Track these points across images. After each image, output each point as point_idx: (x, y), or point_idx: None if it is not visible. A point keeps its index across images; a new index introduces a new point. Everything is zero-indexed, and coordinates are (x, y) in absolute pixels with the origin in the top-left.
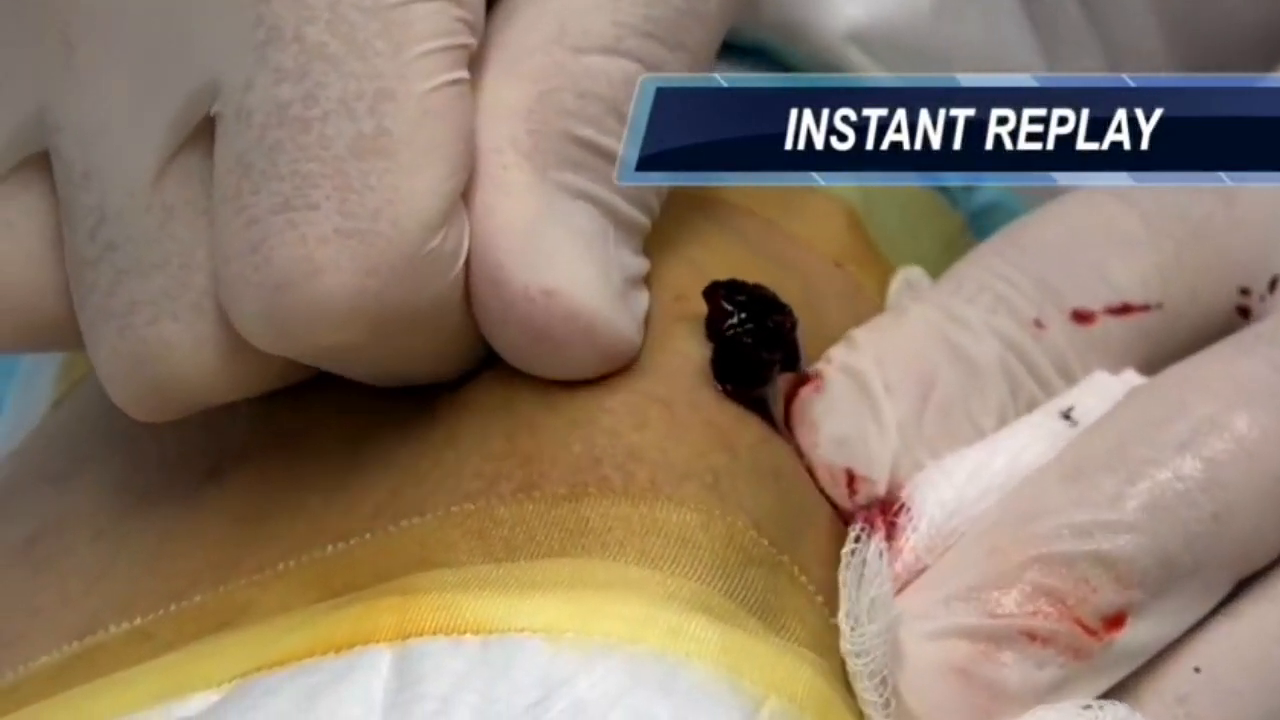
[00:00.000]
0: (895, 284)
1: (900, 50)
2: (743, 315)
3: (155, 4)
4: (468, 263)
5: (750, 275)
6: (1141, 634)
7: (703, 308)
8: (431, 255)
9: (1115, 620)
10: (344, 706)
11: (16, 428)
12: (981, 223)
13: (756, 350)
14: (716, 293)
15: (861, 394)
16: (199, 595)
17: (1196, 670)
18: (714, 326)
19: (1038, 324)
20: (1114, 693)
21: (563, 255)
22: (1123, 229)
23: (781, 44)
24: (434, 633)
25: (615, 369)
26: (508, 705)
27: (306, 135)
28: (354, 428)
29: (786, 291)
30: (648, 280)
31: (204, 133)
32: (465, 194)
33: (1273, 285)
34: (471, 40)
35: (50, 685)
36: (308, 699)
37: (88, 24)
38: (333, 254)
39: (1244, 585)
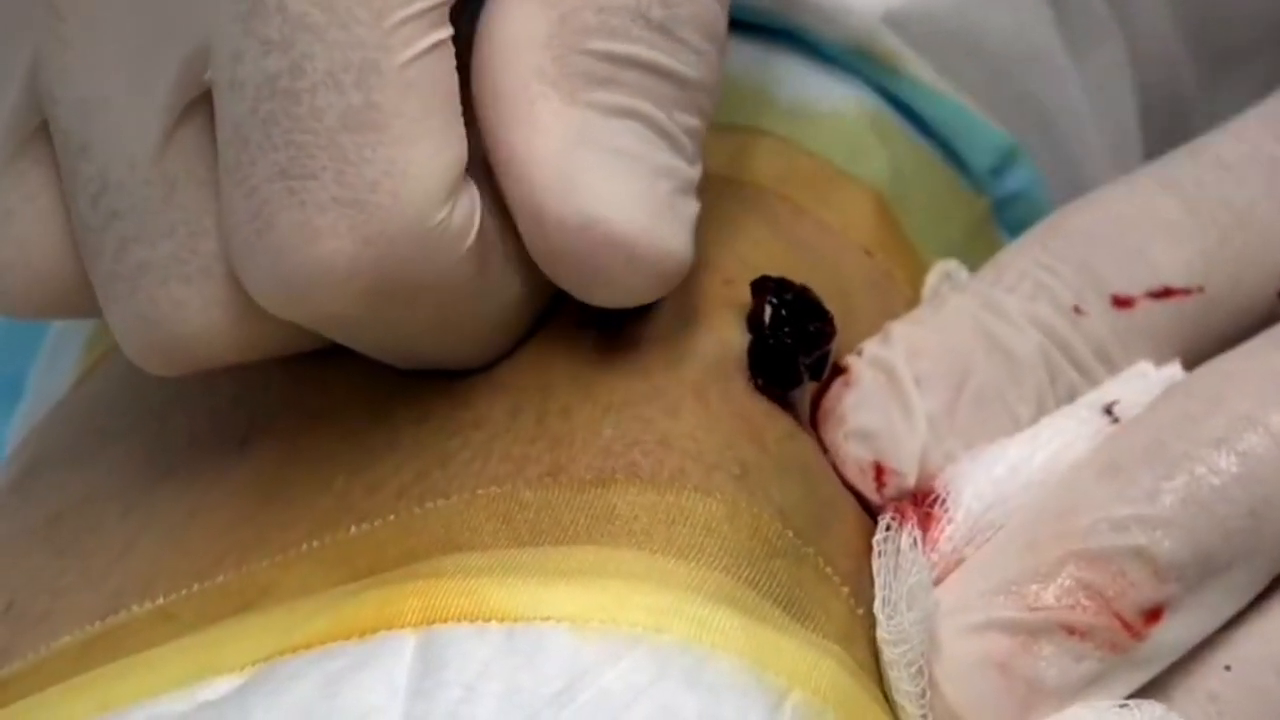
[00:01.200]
0: (933, 276)
1: (932, 34)
2: (784, 313)
3: None
4: (511, 204)
5: (789, 268)
6: (1178, 629)
7: (748, 295)
8: (435, 229)
9: (1153, 615)
10: (367, 692)
11: (39, 406)
12: (1007, 209)
13: (794, 351)
14: (764, 287)
15: (891, 387)
16: (222, 575)
17: (1227, 668)
18: (756, 320)
19: (1077, 310)
20: (1146, 690)
21: (598, 180)
22: (1166, 215)
23: (814, 27)
24: (459, 619)
25: (672, 287)
26: (532, 694)
27: (298, 107)
28: (382, 407)
29: (819, 283)
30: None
31: (202, 102)
32: (499, 138)
33: None
34: None
35: (73, 665)
36: (331, 684)
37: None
38: (331, 220)
39: (1277, 581)
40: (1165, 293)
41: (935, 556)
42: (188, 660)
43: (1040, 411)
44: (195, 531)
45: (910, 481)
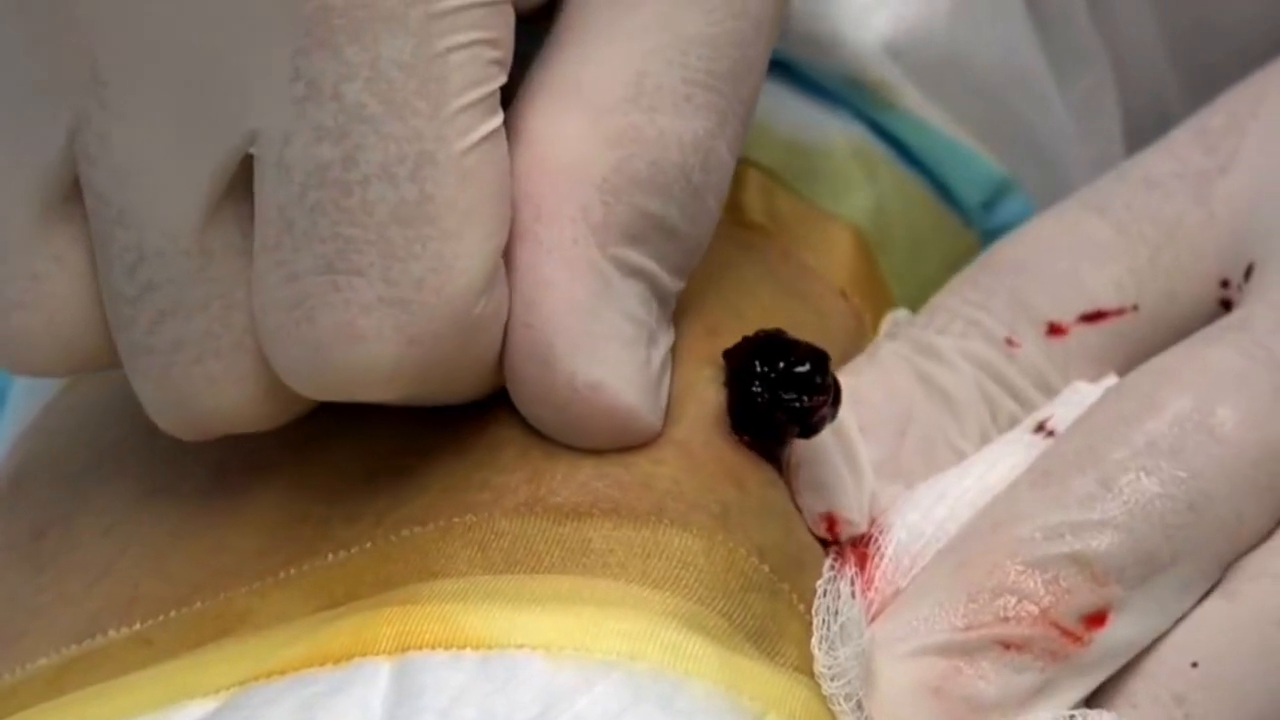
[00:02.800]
0: (885, 326)
1: (926, 62)
2: (765, 372)
3: (190, 47)
4: (516, 334)
5: (776, 315)
6: (1126, 630)
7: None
8: (475, 320)
9: (1096, 619)
10: (342, 718)
11: (26, 412)
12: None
13: (772, 411)
14: (747, 349)
15: (837, 441)
16: (199, 601)
17: (1194, 665)
18: (737, 379)
19: (1009, 342)
20: (1110, 694)
21: (613, 346)
22: (1095, 238)
23: (808, 58)
24: (433, 646)
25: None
26: None
27: (348, 199)
28: (363, 437)
29: (806, 331)
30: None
31: (242, 170)
32: (522, 256)
33: (1248, 272)
34: (503, 77)
35: (48, 688)
36: (306, 709)
37: (118, 60)
38: (376, 323)
39: (1239, 562)
40: (1098, 315)
41: (872, 593)
42: (164, 685)
43: (983, 445)
44: (175, 557)
45: (861, 528)
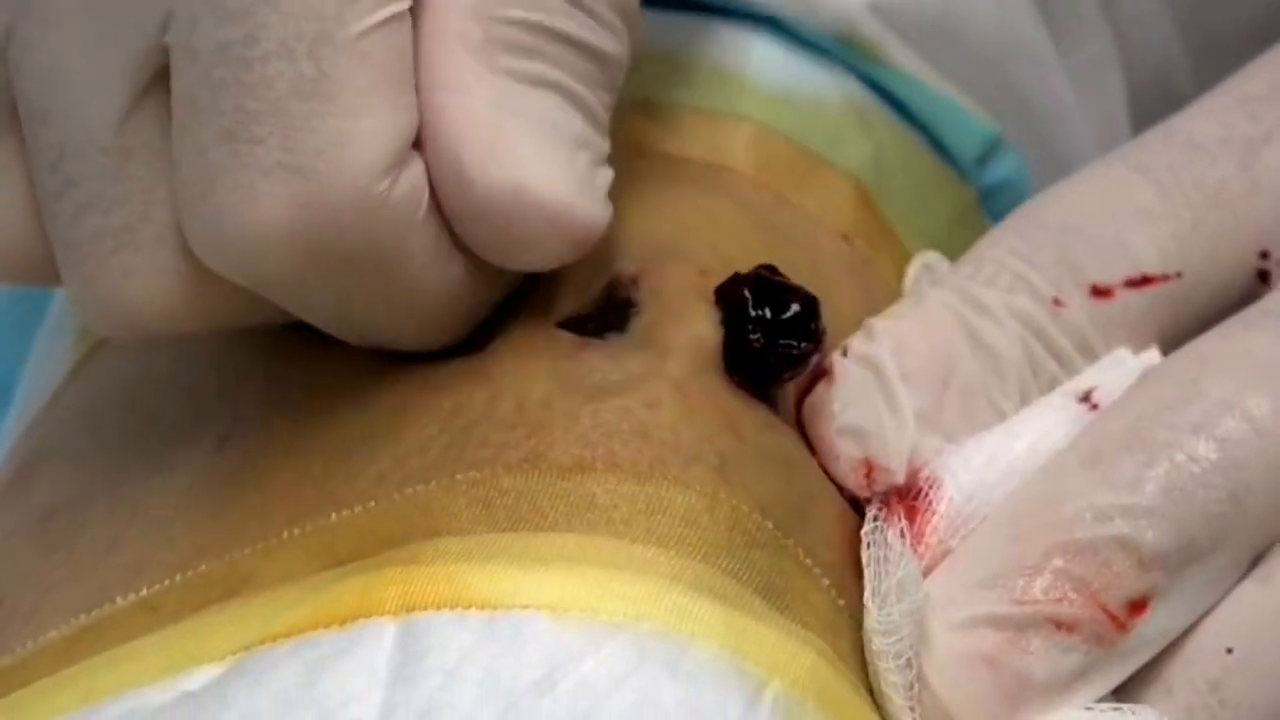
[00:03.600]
0: (913, 269)
1: (916, 23)
2: (758, 312)
3: None
4: (433, 166)
5: (765, 255)
6: (1164, 618)
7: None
8: (376, 198)
9: (1138, 606)
10: (348, 680)
11: (34, 401)
12: (993, 198)
13: (767, 351)
14: (737, 285)
15: (878, 384)
16: (204, 564)
17: (1229, 651)
18: (729, 319)
19: (1056, 302)
20: (1145, 680)
21: (525, 147)
22: (1139, 201)
23: (798, 14)
24: (438, 606)
25: (586, 251)
26: (513, 681)
27: (249, 75)
28: (361, 397)
29: (795, 269)
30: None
31: (161, 75)
32: (421, 100)
33: None
34: None
35: (59, 660)
36: (311, 672)
37: None
38: (272, 185)
39: (1274, 547)
40: (1143, 280)
41: (922, 549)
42: (170, 650)
43: (1024, 405)
44: (180, 524)
45: (899, 478)
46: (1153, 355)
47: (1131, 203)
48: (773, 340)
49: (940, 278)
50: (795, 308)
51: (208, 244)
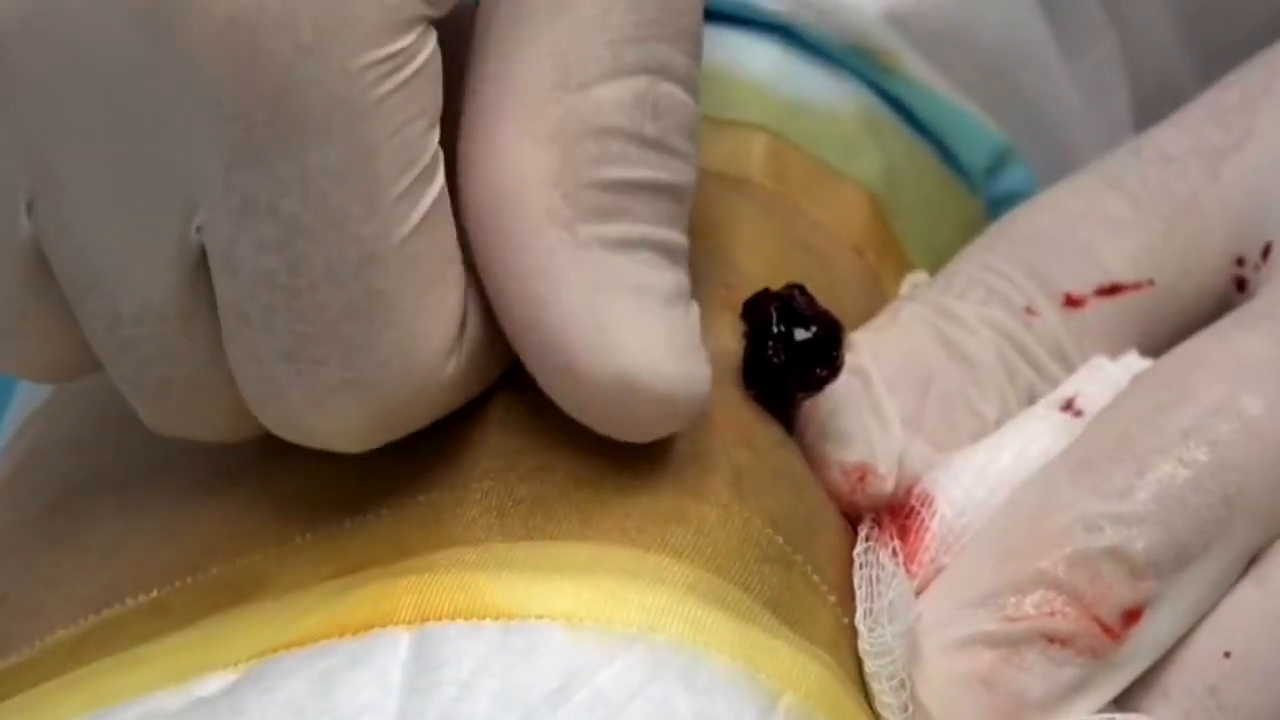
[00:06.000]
0: (904, 288)
1: (929, 32)
2: (780, 329)
3: (131, 148)
4: (531, 352)
5: (788, 270)
6: (1160, 625)
7: (747, 299)
8: (444, 382)
9: (1133, 614)
10: (361, 689)
11: (36, 389)
12: (1001, 209)
13: (786, 369)
14: (762, 301)
15: (864, 392)
16: (215, 568)
17: (1226, 655)
18: (751, 334)
19: (1029, 311)
20: (1144, 687)
21: (628, 331)
22: (1111, 212)
23: (811, 23)
24: (453, 616)
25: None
26: (528, 692)
27: (299, 301)
28: None
29: (816, 285)
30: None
31: (204, 254)
32: (511, 286)
33: (1266, 252)
34: (436, 134)
35: (67, 661)
36: (325, 681)
37: (63, 153)
38: (343, 401)
39: (1270, 548)
40: (1114, 289)
41: (915, 567)
42: (182, 656)
43: (1004, 411)
44: (188, 523)
45: (889, 485)
46: (1131, 359)
47: (1103, 214)
48: (792, 359)
49: (915, 293)
50: (817, 330)
51: (277, 429)
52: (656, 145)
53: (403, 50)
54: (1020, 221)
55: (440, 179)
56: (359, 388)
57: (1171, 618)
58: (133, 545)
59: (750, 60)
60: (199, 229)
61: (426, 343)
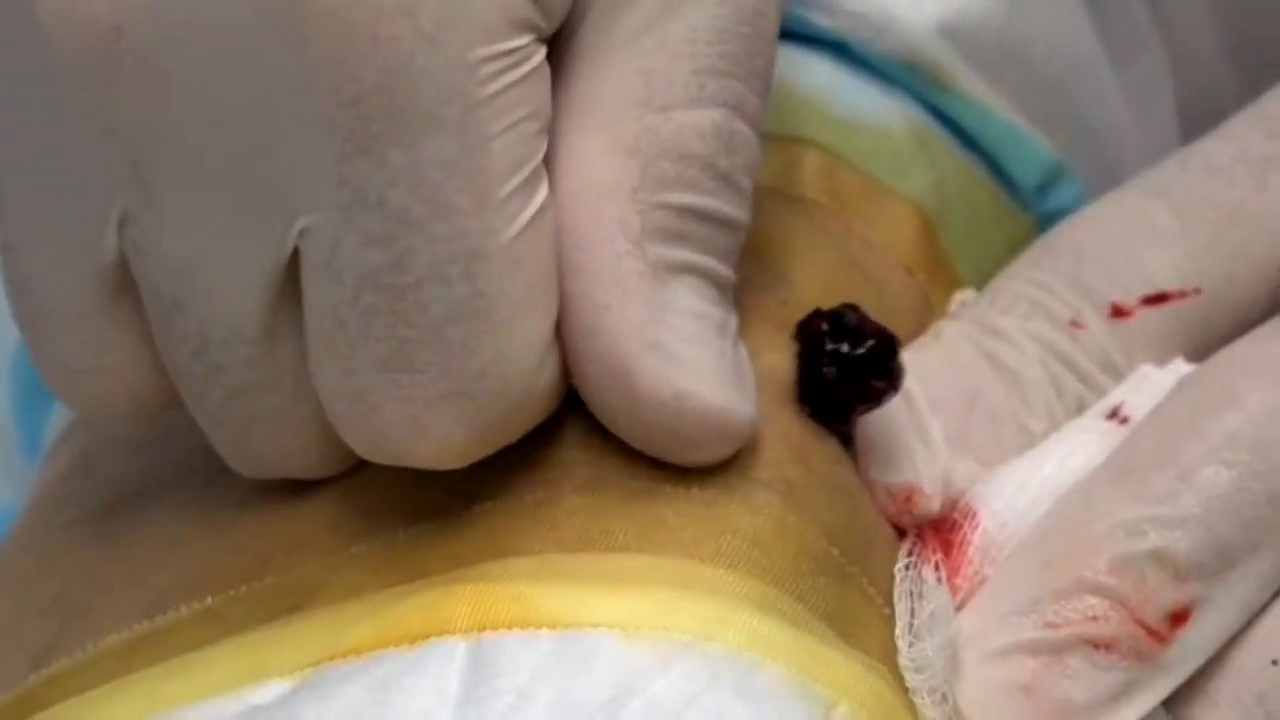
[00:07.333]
0: (952, 306)
1: (982, 46)
2: (835, 348)
3: (232, 153)
4: (588, 361)
5: (843, 289)
6: (1207, 627)
7: (802, 316)
8: (537, 392)
9: (1179, 617)
10: (418, 697)
11: None
12: (1051, 227)
13: (840, 386)
14: (817, 320)
15: (908, 412)
16: (270, 576)
17: (1274, 663)
18: (807, 352)
19: (1074, 324)
20: (1191, 693)
21: (687, 351)
22: (1155, 222)
23: (864, 38)
24: (509, 625)
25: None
26: (583, 701)
27: (401, 303)
28: None
29: (870, 305)
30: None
31: (296, 264)
32: (574, 288)
33: None
34: (545, 141)
35: (120, 665)
36: (381, 689)
37: (159, 163)
38: (440, 415)
39: None
40: (1160, 298)
41: (959, 580)
42: (237, 662)
43: (1051, 425)
44: (245, 529)
45: (936, 505)
46: (1178, 365)
47: (1148, 224)
48: (847, 375)
49: (958, 311)
50: (872, 344)
51: (371, 452)
52: (726, 179)
53: (518, 49)
54: (1064, 235)
55: (546, 186)
56: (457, 399)
57: (1219, 619)
58: (187, 549)
59: (803, 76)
60: (301, 233)
61: (524, 350)
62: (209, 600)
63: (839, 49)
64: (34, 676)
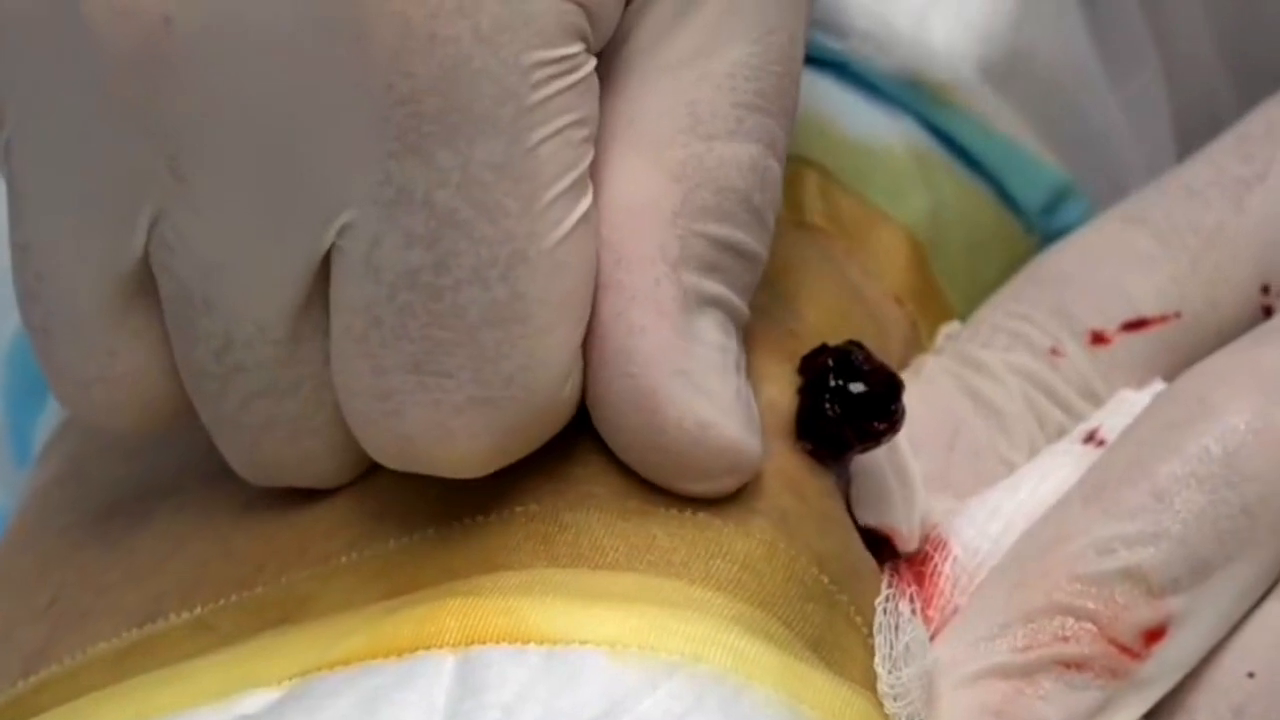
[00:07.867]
0: (939, 339)
1: (988, 60)
2: (836, 384)
3: (275, 149)
4: (612, 381)
5: (845, 323)
6: (1185, 641)
7: (806, 348)
8: (562, 402)
9: (1155, 633)
10: (405, 711)
11: None
12: None
13: (841, 424)
14: (820, 357)
15: (888, 454)
16: (261, 586)
17: (1251, 676)
18: (811, 388)
19: (1054, 352)
20: (1170, 708)
21: (711, 381)
22: (1135, 247)
23: (867, 56)
24: (497, 639)
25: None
26: (570, 718)
27: (438, 303)
28: None
29: (870, 337)
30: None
31: (326, 265)
32: (607, 304)
33: None
34: (592, 150)
35: (110, 673)
36: (369, 701)
37: (199, 159)
38: (467, 422)
39: None
40: (1140, 323)
41: (932, 612)
42: (226, 672)
43: (1033, 457)
44: (242, 534)
45: (913, 545)
46: (1156, 388)
47: (1128, 250)
48: (849, 413)
49: (939, 346)
50: (876, 385)
51: (392, 456)
52: (757, 215)
53: (571, 56)
54: (1045, 264)
55: (591, 194)
56: (483, 405)
57: (1197, 633)
58: (186, 553)
59: (807, 94)
60: (340, 230)
61: (554, 359)
62: (199, 609)
63: (841, 69)
64: (23, 683)
